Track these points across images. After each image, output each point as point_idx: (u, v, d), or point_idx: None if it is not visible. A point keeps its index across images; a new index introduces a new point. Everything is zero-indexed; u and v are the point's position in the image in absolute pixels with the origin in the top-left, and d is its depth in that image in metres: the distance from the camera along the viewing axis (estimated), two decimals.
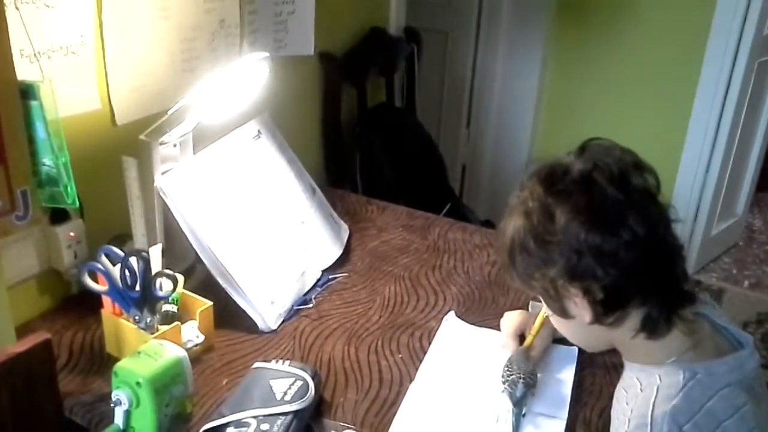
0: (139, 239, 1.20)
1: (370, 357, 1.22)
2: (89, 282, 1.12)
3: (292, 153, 1.54)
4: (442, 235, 1.64)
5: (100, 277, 1.12)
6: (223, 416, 1.02)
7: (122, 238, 1.29)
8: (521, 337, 1.20)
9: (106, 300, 1.16)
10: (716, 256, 3.28)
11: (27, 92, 0.98)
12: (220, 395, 1.11)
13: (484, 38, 3.18)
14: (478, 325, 1.31)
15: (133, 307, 1.11)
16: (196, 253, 1.28)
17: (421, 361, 1.21)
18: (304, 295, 1.38)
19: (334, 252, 1.50)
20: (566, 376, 1.18)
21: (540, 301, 1.02)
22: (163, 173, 1.22)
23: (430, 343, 1.26)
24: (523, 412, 1.07)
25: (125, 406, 0.99)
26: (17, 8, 1.10)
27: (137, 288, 1.10)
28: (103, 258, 1.10)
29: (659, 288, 0.89)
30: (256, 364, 1.13)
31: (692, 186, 2.99)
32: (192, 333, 1.19)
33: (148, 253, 1.09)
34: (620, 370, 1.01)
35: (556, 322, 1.03)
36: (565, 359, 1.21)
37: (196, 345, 1.18)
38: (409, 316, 1.34)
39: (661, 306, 0.90)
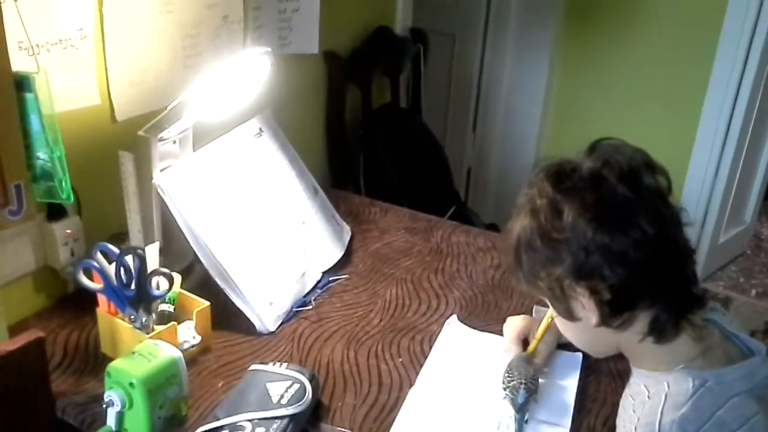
0: (135, 236, 1.17)
1: (370, 361, 1.20)
2: (84, 280, 1.10)
3: (294, 152, 1.51)
4: (446, 238, 1.61)
5: (96, 274, 1.10)
6: (218, 419, 1.00)
7: (120, 236, 1.27)
8: (524, 342, 1.17)
9: (102, 298, 1.14)
10: (723, 264, 3.24)
11: (22, 84, 0.96)
12: (216, 398, 1.09)
13: (492, 41, 3.16)
14: (481, 330, 1.28)
15: (129, 306, 1.09)
16: (194, 254, 1.25)
17: (421, 366, 1.18)
18: (304, 296, 1.35)
19: (335, 253, 1.47)
20: (570, 382, 1.15)
21: (544, 306, 0.99)
22: (162, 170, 1.20)
23: (431, 348, 1.23)
24: (525, 419, 1.05)
25: (118, 408, 0.96)
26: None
27: (132, 286, 1.08)
28: (99, 255, 1.08)
29: (668, 290, 0.87)
30: (253, 366, 1.11)
31: (700, 193, 2.95)
32: (188, 334, 1.16)
33: (143, 250, 1.07)
34: (626, 377, 0.99)
35: (562, 325, 1.00)
36: (569, 365, 1.18)
37: (193, 346, 1.16)
38: (411, 320, 1.31)
39: (669, 309, 0.87)
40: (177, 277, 1.18)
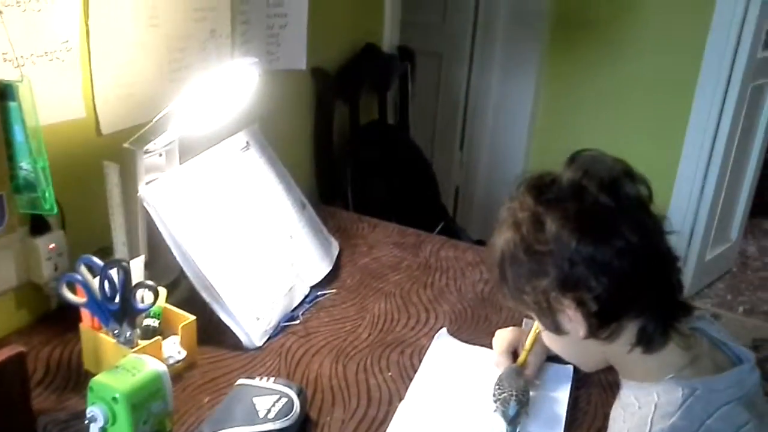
0: (120, 249, 1.16)
1: (359, 375, 1.18)
2: (67, 293, 1.08)
3: (281, 167, 1.50)
4: (434, 253, 1.60)
5: (79, 288, 1.08)
6: None
7: (105, 251, 1.25)
8: (514, 355, 1.16)
9: (85, 313, 1.11)
10: (710, 281, 3.26)
11: (5, 92, 0.95)
12: (202, 413, 1.06)
13: (479, 60, 3.18)
14: (471, 343, 1.27)
15: (112, 320, 1.07)
16: (179, 269, 1.24)
17: (411, 380, 1.17)
18: (292, 311, 1.34)
19: (323, 268, 1.46)
20: (561, 395, 1.14)
21: (533, 318, 0.98)
22: (147, 183, 1.19)
23: (420, 361, 1.21)
24: (517, 431, 1.03)
25: (101, 423, 0.93)
26: (0, 11, 1.07)
27: (116, 300, 1.06)
28: (83, 268, 1.06)
29: (655, 298, 0.86)
30: (240, 381, 1.09)
31: (686, 210, 2.97)
32: (173, 349, 1.14)
33: (128, 263, 1.05)
34: (617, 389, 0.98)
35: (549, 339, 0.99)
36: (560, 378, 1.17)
37: (178, 361, 1.14)
38: (400, 334, 1.30)
39: (657, 318, 0.86)
40: (162, 291, 1.16)
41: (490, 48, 3.14)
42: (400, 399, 1.12)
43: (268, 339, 1.26)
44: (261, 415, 1.00)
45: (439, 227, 2.11)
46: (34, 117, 0.99)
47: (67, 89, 1.24)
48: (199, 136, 1.31)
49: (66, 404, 1.07)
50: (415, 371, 1.19)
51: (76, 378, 1.13)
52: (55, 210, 1.04)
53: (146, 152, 1.18)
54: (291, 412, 1.01)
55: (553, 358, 1.17)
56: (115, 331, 1.08)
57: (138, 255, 1.14)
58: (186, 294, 1.28)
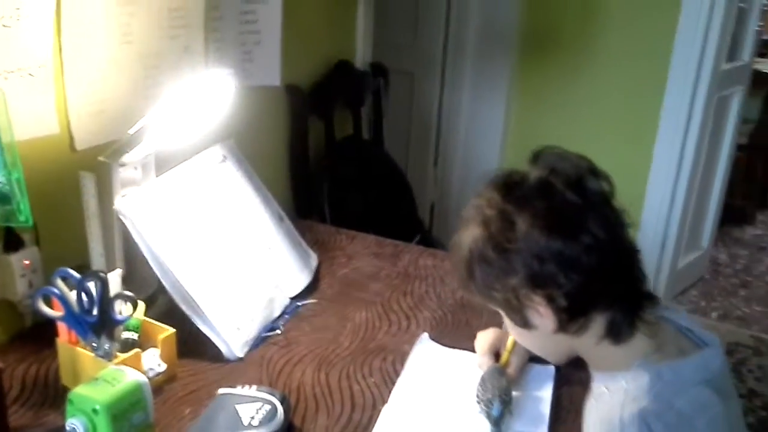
0: (97, 260, 1.14)
1: (342, 382, 1.18)
2: (43, 307, 1.06)
3: (258, 180, 1.51)
4: (413, 262, 1.61)
5: (56, 302, 1.07)
6: None
7: (81, 268, 1.23)
8: (497, 356, 1.16)
9: (62, 327, 1.10)
10: (684, 288, 3.30)
11: None
12: (183, 425, 1.05)
13: (450, 77, 3.22)
14: (452, 348, 1.27)
15: (91, 332, 1.06)
16: (158, 282, 1.23)
17: (394, 384, 1.17)
18: (272, 322, 1.33)
19: (303, 279, 1.46)
20: (544, 393, 1.15)
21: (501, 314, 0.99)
22: (123, 196, 1.18)
23: (403, 366, 1.21)
24: (502, 431, 1.03)
25: None
26: None
27: (94, 312, 1.05)
28: (59, 282, 1.05)
29: (621, 291, 0.88)
30: (221, 390, 1.07)
31: (657, 219, 3.02)
32: (153, 361, 1.13)
33: (106, 273, 1.04)
34: None
35: (518, 334, 1.00)
36: (542, 377, 1.18)
37: (158, 374, 1.13)
38: (381, 341, 1.30)
39: (624, 309, 0.88)
40: (140, 305, 1.15)
41: (460, 65, 3.19)
42: (384, 403, 1.12)
43: (249, 350, 1.25)
44: (245, 422, 0.99)
45: (416, 239, 2.13)
46: (8, 130, 0.98)
47: (40, 105, 1.24)
48: (174, 149, 1.31)
49: (44, 420, 1.05)
50: (398, 376, 1.19)
51: (53, 394, 1.11)
52: (31, 222, 1.03)
53: (122, 165, 1.17)
54: (275, 418, 1.00)
55: (535, 359, 1.18)
56: (93, 344, 1.06)
57: (114, 266, 1.13)
58: (164, 308, 1.27)
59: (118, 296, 1.06)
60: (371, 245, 1.69)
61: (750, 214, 4.15)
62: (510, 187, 0.89)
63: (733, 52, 3.00)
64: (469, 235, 0.90)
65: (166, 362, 1.14)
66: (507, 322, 0.99)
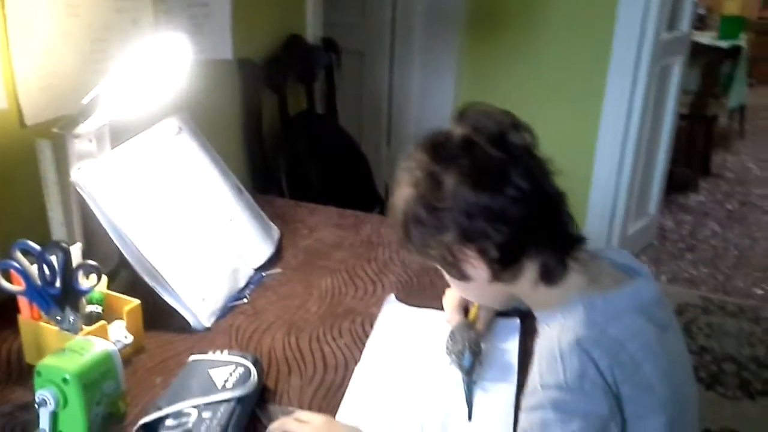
0: (57, 230, 1.12)
1: (312, 345, 1.18)
2: (2, 282, 1.03)
3: (214, 152, 1.49)
4: (375, 231, 1.62)
5: (15, 276, 1.04)
6: (160, 409, 0.95)
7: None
8: (465, 311, 1.18)
9: (23, 302, 1.07)
10: (633, 254, 3.35)
11: None
12: (155, 393, 1.04)
13: (399, 56, 3.23)
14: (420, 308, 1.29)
15: (54, 305, 1.03)
16: (119, 257, 1.21)
17: (364, 345, 1.17)
18: (237, 292, 1.32)
19: (266, 250, 1.45)
20: (511, 345, 1.17)
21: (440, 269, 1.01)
22: (79, 169, 1.16)
23: (372, 327, 1.22)
24: (474, 380, 1.05)
25: (51, 407, 0.90)
26: None
27: (57, 283, 1.03)
28: (18, 255, 1.02)
29: (549, 237, 0.92)
30: (192, 357, 1.07)
31: (606, 188, 3.09)
32: (120, 333, 1.11)
33: (67, 243, 1.02)
34: None
35: (458, 286, 1.03)
36: (507, 330, 1.20)
37: (125, 346, 1.11)
38: (349, 305, 1.30)
39: (553, 253, 0.92)
40: (103, 278, 1.13)
41: (409, 44, 3.19)
42: (356, 362, 1.13)
43: (216, 319, 1.24)
44: (219, 385, 0.99)
45: (377, 210, 2.13)
46: None
47: None
48: (127, 122, 1.28)
49: (9, 397, 1.03)
50: (368, 337, 1.20)
51: (17, 372, 1.08)
52: None
53: (76, 137, 1.15)
54: (249, 379, 1.00)
55: (500, 313, 1.21)
56: (58, 318, 1.04)
57: (74, 237, 1.10)
58: (126, 283, 1.25)
59: (81, 266, 1.04)
60: (332, 216, 1.69)
61: (693, 182, 4.28)
62: (436, 147, 0.91)
63: (672, 22, 3.08)
64: (401, 197, 0.94)
65: (132, 334, 1.12)
66: (447, 276, 1.02)
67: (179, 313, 1.21)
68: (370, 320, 1.25)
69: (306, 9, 2.19)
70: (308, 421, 0.94)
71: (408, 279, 1.40)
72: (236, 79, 1.90)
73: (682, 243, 3.59)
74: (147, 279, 1.19)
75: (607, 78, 2.94)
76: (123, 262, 1.23)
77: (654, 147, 3.29)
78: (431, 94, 3.24)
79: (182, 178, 1.35)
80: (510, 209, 0.87)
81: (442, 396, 1.05)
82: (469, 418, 1.00)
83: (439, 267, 0.99)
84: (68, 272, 1.02)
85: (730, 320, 2.85)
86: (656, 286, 0.97)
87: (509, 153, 0.88)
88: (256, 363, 1.04)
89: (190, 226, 1.30)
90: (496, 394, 1.06)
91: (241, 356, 1.05)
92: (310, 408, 1.02)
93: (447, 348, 1.11)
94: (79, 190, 1.13)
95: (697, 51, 3.78)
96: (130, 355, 1.12)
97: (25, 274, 1.02)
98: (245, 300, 1.30)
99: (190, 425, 0.92)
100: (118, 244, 1.17)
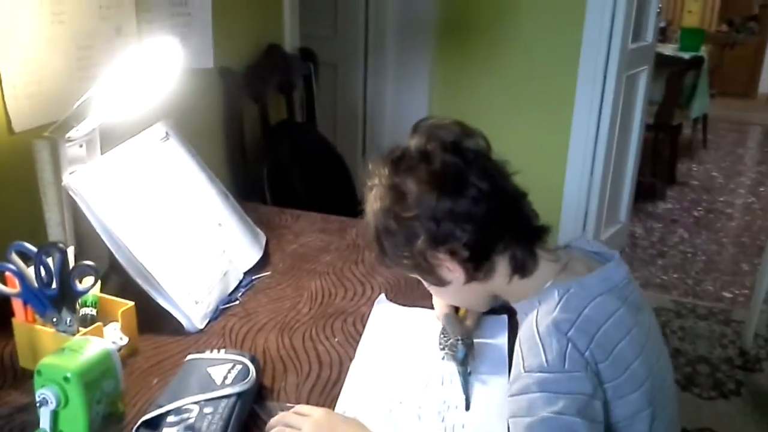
0: (55, 231, 1.12)
1: (306, 344, 1.19)
2: None
3: (200, 159, 1.50)
4: (360, 235, 1.64)
5: (11, 278, 1.03)
6: (161, 406, 0.95)
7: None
8: (456, 308, 1.21)
9: (18, 306, 1.07)
10: None
11: None
12: (152, 394, 1.04)
13: (373, 69, 3.27)
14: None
15: (50, 307, 1.03)
16: (109, 261, 1.21)
17: (358, 343, 1.19)
18: (228, 295, 1.33)
19: (254, 254, 1.46)
20: (500, 340, 1.20)
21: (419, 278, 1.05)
22: (72, 173, 1.16)
23: (364, 326, 1.24)
24: (468, 371, 1.08)
25: (52, 406, 0.90)
26: None
27: (54, 285, 1.03)
28: (14, 256, 1.02)
29: (514, 231, 0.97)
30: (189, 357, 1.07)
31: (578, 196, 3.15)
32: (115, 335, 1.11)
33: (65, 244, 1.02)
34: None
35: (438, 292, 1.09)
36: (496, 327, 1.23)
37: (121, 347, 1.11)
38: (339, 305, 1.32)
39: (521, 246, 0.97)
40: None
41: (382, 58, 3.24)
42: (351, 360, 1.14)
43: (208, 322, 1.25)
44: (218, 382, 1.00)
45: (359, 216, 2.14)
46: None
47: None
48: (114, 128, 1.29)
49: (6, 400, 1.02)
50: (361, 335, 1.21)
51: (12, 377, 1.08)
52: None
53: (68, 140, 1.15)
54: (248, 376, 1.01)
55: (489, 311, 1.23)
56: (54, 320, 1.04)
57: (69, 245, 1.10)
58: (116, 287, 1.24)
59: (78, 267, 1.04)
60: (317, 222, 1.71)
61: (660, 190, 4.39)
62: (395, 161, 0.97)
63: (637, 34, 3.17)
64: (370, 213, 1.00)
65: (127, 335, 1.13)
66: (426, 284, 1.07)
67: (171, 316, 1.21)
68: (362, 319, 1.27)
69: (284, 19, 2.21)
70: (308, 414, 0.96)
71: (396, 280, 1.42)
72: (217, 88, 1.91)
73: (653, 249, 3.67)
74: (140, 282, 1.19)
75: (576, 88, 3.01)
76: (113, 267, 1.24)
77: (623, 155, 3.38)
78: (405, 106, 3.28)
79: (171, 183, 1.36)
80: (472, 209, 0.93)
81: (438, 388, 1.07)
82: (467, 407, 1.03)
83: (417, 276, 1.04)
84: (65, 273, 1.02)
85: (701, 323, 2.92)
86: (626, 269, 1.02)
87: (464, 158, 0.94)
88: (253, 360, 1.05)
89: (180, 230, 1.31)
90: (490, 387, 1.08)
91: (239, 354, 1.06)
92: (307, 404, 1.03)
93: (440, 343, 1.13)
94: (71, 193, 1.14)
95: (661, 62, 3.89)
96: (125, 357, 1.12)
97: (21, 276, 1.02)
98: (237, 301, 1.31)
99: (192, 420, 0.93)
100: (111, 248, 1.17)
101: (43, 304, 1.03)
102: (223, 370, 1.02)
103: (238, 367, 1.03)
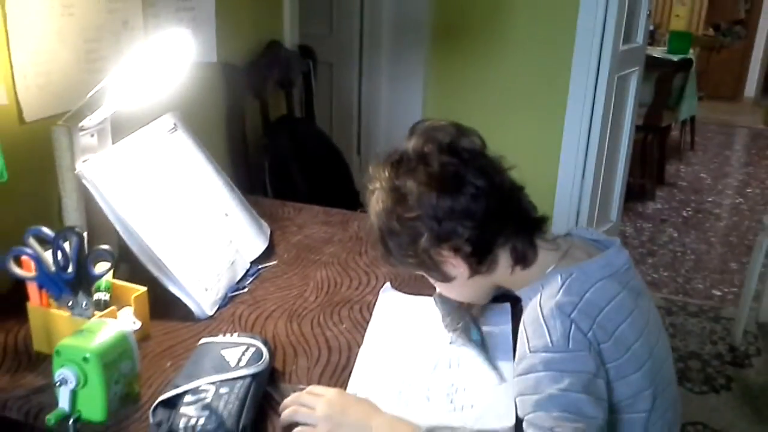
0: (71, 215, 1.13)
1: (315, 330, 1.22)
2: (14, 269, 1.05)
3: (206, 151, 1.52)
4: (363, 227, 1.66)
5: (26, 263, 1.05)
6: (178, 386, 0.98)
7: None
8: None
9: (33, 291, 1.08)
10: None
11: None
12: (167, 376, 1.06)
13: (367, 67, 3.30)
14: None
15: (67, 290, 1.05)
16: (119, 249, 1.23)
17: (365, 329, 1.22)
18: (236, 283, 1.35)
19: (260, 244, 1.48)
20: (505, 328, 1.22)
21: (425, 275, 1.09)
22: (84, 162, 1.18)
23: (371, 313, 1.27)
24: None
25: (71, 385, 0.91)
26: None
27: (70, 269, 1.04)
28: (32, 240, 1.04)
29: (513, 223, 1.01)
30: (203, 340, 1.10)
31: (570, 195, 3.19)
32: (128, 319, 1.13)
33: (81, 228, 1.04)
34: None
35: (444, 288, 1.13)
36: (499, 315, 1.25)
37: (134, 332, 1.12)
38: (345, 294, 1.35)
39: (521, 237, 1.01)
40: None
41: (377, 56, 3.27)
42: (359, 345, 1.17)
43: (218, 309, 1.27)
44: (232, 364, 1.02)
45: (360, 210, 2.17)
46: None
47: None
48: (123, 118, 1.31)
49: (21, 382, 1.04)
50: (368, 322, 1.24)
51: (26, 360, 1.09)
52: (6, 176, 1.01)
53: (81, 129, 1.17)
54: (262, 358, 1.03)
55: (492, 299, 1.26)
56: (69, 303, 1.06)
57: (85, 230, 1.12)
58: (126, 275, 1.26)
59: (94, 251, 1.06)
60: (319, 215, 1.73)
61: (650, 191, 4.44)
62: (394, 164, 1.01)
63: (627, 36, 3.22)
64: (373, 215, 1.04)
65: (140, 320, 1.14)
66: (431, 281, 1.11)
67: (181, 303, 1.23)
68: (368, 307, 1.29)
69: (283, 16, 2.24)
70: (321, 394, 0.98)
71: (399, 270, 1.45)
72: (220, 83, 1.93)
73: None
74: (151, 269, 1.21)
75: (569, 87, 3.05)
76: (122, 256, 1.25)
77: (614, 155, 3.42)
78: (399, 105, 3.31)
79: (179, 174, 1.38)
80: (472, 206, 0.96)
81: (446, 371, 1.10)
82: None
83: (423, 273, 1.08)
84: (82, 257, 1.04)
85: (692, 320, 2.97)
86: (626, 255, 1.06)
87: (461, 158, 0.98)
88: (265, 343, 1.08)
89: (189, 219, 1.33)
90: (497, 370, 1.11)
91: (251, 337, 1.08)
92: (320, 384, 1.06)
93: (449, 326, 1.16)
94: (84, 182, 1.16)
95: (651, 64, 3.94)
96: (138, 341, 1.11)
97: (38, 260, 1.04)
98: (245, 289, 1.33)
99: (209, 400, 0.95)
100: (123, 235, 1.19)
101: (59, 288, 1.05)
102: (237, 353, 1.04)
103: (252, 349, 1.05)
